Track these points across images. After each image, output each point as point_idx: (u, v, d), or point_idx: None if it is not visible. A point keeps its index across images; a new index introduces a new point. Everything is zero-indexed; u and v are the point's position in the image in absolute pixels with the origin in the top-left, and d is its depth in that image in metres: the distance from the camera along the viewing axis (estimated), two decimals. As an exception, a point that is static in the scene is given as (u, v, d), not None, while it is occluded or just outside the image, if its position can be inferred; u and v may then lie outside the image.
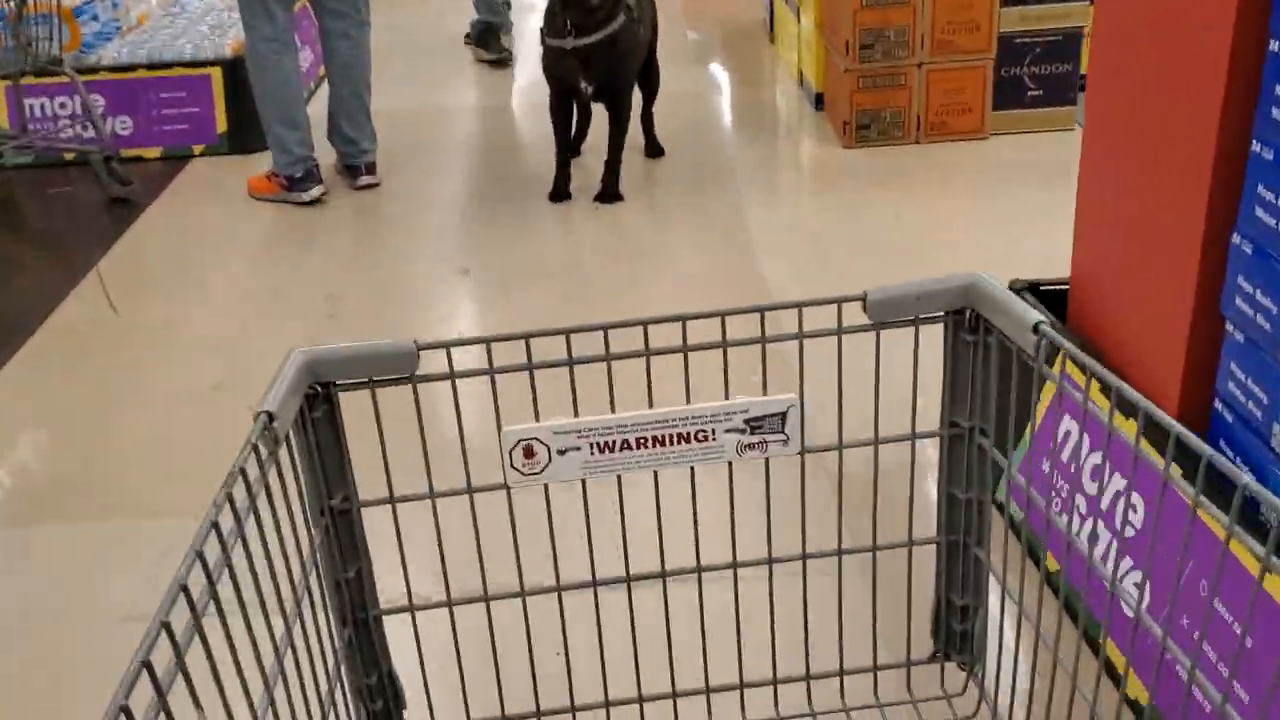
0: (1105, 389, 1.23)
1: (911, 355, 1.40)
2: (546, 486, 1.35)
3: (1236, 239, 1.58)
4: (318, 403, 1.34)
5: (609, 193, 3.87)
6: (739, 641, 1.53)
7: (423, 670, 1.47)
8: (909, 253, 3.37)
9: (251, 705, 1.04)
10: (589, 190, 3.94)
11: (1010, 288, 2.04)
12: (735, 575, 1.48)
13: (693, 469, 1.37)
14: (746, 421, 1.31)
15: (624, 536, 1.44)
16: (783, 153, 4.47)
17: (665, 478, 1.39)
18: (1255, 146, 1.53)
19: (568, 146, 3.94)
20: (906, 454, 1.47)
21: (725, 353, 1.36)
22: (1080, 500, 1.82)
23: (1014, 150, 4.12)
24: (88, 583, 2.19)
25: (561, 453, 1.31)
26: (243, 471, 1.11)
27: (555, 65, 3.75)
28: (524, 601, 1.45)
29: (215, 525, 1.02)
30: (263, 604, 1.07)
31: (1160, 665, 1.28)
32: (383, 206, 4.03)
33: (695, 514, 1.42)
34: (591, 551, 1.48)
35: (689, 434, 1.31)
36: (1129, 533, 1.68)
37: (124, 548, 2.27)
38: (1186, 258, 1.68)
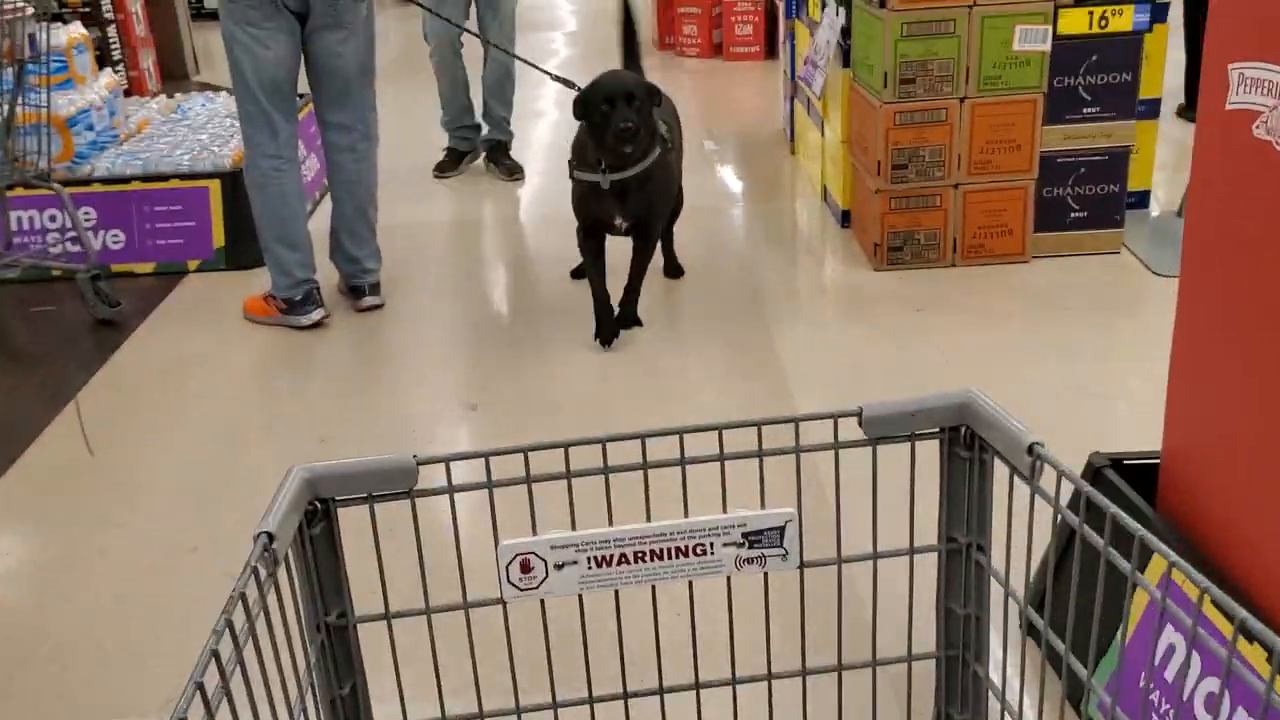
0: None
1: (909, 470, 1.57)
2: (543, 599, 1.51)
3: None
4: (316, 519, 1.51)
5: (628, 318, 3.97)
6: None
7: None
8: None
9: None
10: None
11: (1089, 464, 2.10)
12: (734, 692, 1.62)
13: (691, 583, 1.52)
14: (744, 535, 1.47)
15: (621, 654, 1.59)
16: (810, 273, 4.64)
17: (664, 585, 1.52)
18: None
19: (604, 283, 3.90)
20: (905, 567, 1.61)
21: (723, 465, 1.53)
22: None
23: (1059, 274, 4.26)
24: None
25: (559, 567, 1.47)
26: (242, 596, 1.24)
27: (587, 201, 3.78)
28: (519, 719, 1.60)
29: (215, 654, 1.14)
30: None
31: None
32: (385, 331, 4.17)
33: (694, 630, 1.58)
34: (588, 668, 1.62)
35: (687, 548, 1.47)
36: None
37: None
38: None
